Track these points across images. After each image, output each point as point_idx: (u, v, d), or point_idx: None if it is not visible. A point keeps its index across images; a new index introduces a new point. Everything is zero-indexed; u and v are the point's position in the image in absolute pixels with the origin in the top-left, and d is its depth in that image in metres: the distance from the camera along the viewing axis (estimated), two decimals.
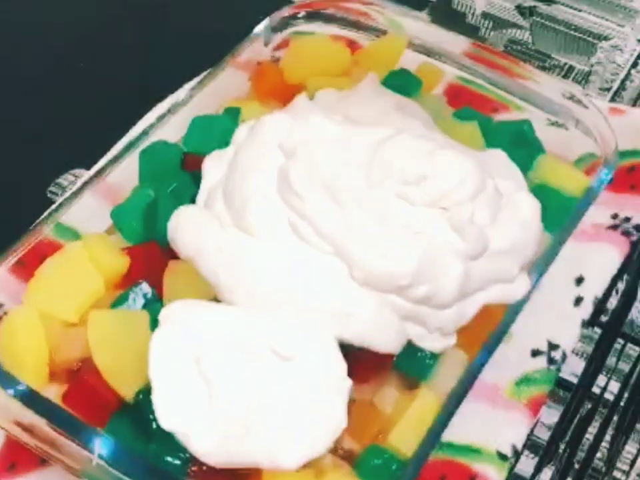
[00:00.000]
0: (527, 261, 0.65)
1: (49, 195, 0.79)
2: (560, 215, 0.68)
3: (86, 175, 0.77)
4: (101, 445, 0.53)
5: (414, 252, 0.60)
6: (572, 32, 0.96)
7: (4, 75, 0.90)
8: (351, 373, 0.58)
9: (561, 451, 0.66)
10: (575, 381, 0.69)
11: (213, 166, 0.69)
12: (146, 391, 0.56)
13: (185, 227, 0.64)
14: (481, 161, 0.66)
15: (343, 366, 0.58)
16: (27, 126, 0.85)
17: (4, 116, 0.85)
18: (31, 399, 0.55)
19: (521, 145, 0.74)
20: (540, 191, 0.70)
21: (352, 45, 0.83)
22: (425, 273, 0.60)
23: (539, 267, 0.66)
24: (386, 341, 0.61)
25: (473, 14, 0.98)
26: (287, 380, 0.56)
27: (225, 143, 0.71)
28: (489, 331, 0.62)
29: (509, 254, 0.64)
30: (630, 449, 0.66)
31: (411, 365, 0.62)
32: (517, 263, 0.64)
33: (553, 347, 0.68)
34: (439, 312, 0.61)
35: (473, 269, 0.62)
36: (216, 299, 0.61)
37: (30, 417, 0.55)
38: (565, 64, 0.93)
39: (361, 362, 0.59)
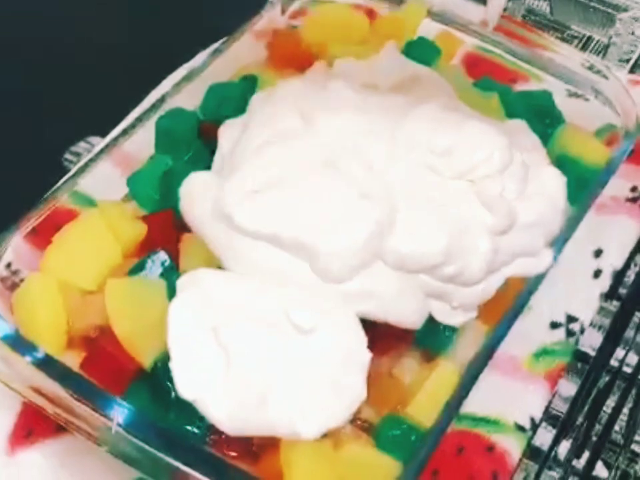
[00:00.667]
0: (553, 235, 0.64)
1: (64, 163, 0.79)
2: (580, 186, 0.68)
3: (102, 142, 0.77)
4: (120, 413, 0.53)
5: (444, 229, 0.60)
6: (591, 3, 0.95)
7: (19, 41, 0.89)
8: (370, 345, 0.57)
9: (578, 423, 0.66)
10: (593, 353, 0.69)
11: (228, 133, 0.68)
12: (164, 359, 0.56)
13: (192, 193, 0.63)
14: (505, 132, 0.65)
15: (362, 339, 0.57)
16: (43, 93, 0.84)
17: (19, 83, 0.85)
18: (49, 365, 0.55)
19: (541, 116, 0.73)
20: (560, 162, 0.69)
21: (370, 14, 0.82)
22: (454, 250, 0.59)
23: (559, 239, 0.65)
24: (408, 317, 0.60)
25: None
26: (306, 351, 0.56)
27: (241, 110, 0.70)
28: (508, 303, 0.62)
29: (535, 228, 0.63)
30: None
31: (431, 337, 0.61)
32: (542, 237, 0.63)
33: (571, 319, 0.68)
34: (464, 289, 0.61)
35: (500, 244, 0.61)
36: None
37: (48, 383, 0.54)
38: (584, 35, 0.92)
39: (381, 334, 0.59)
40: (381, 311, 0.59)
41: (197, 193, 0.63)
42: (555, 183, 0.66)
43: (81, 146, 0.80)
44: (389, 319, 0.59)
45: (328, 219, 0.59)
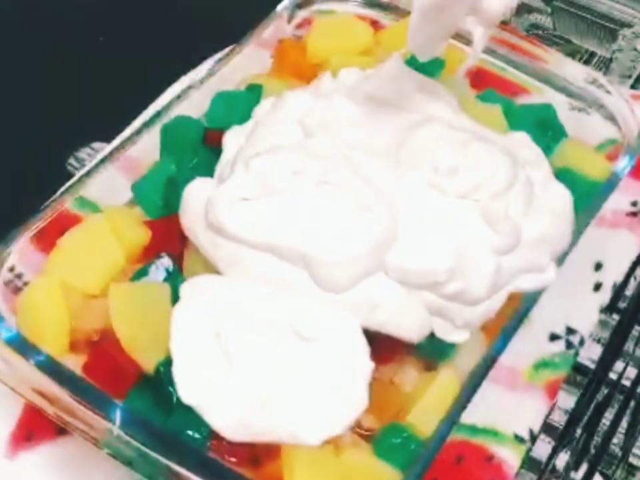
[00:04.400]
0: (560, 251, 0.64)
1: (68, 168, 0.79)
2: (581, 200, 0.68)
3: (107, 148, 0.77)
4: (121, 416, 0.53)
5: (448, 247, 0.60)
6: (594, 18, 0.95)
7: (24, 45, 0.90)
8: (372, 354, 0.57)
9: (577, 435, 0.66)
10: (592, 366, 0.69)
11: (232, 141, 0.68)
12: (166, 364, 0.56)
13: (190, 200, 0.64)
14: (507, 145, 0.65)
15: (365, 349, 0.57)
16: (48, 98, 0.85)
17: (25, 89, 0.85)
18: (51, 368, 0.55)
19: (543, 129, 0.73)
20: (561, 176, 0.69)
21: (375, 25, 0.82)
22: (457, 269, 0.59)
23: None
24: (411, 330, 0.60)
25: None
26: (309, 359, 0.56)
27: (246, 119, 0.70)
28: (508, 314, 0.62)
29: (541, 245, 0.63)
30: None
31: (432, 346, 0.61)
32: (548, 253, 0.63)
33: (571, 331, 0.68)
34: (467, 307, 0.61)
35: (504, 263, 0.61)
36: None
37: (50, 386, 0.54)
38: (587, 50, 0.93)
39: (383, 343, 0.59)
40: (384, 323, 0.59)
41: (194, 200, 0.63)
42: (561, 199, 0.66)
43: (85, 152, 0.80)
44: (392, 331, 0.59)
45: (327, 229, 0.59)
